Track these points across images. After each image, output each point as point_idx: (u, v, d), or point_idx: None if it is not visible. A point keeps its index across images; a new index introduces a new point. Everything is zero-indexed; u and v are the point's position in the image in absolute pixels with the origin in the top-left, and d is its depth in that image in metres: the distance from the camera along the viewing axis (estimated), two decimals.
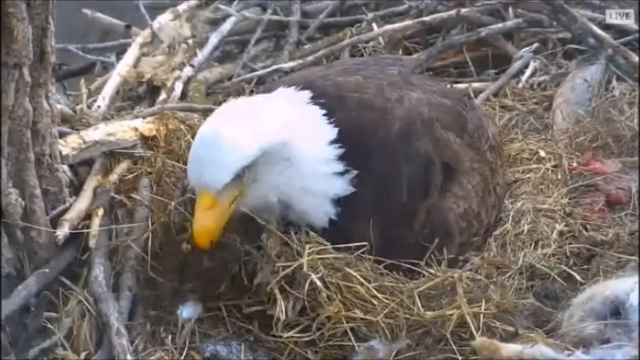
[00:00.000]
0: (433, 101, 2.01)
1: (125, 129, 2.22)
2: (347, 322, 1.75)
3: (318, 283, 1.75)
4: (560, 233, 2.11)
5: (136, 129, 2.23)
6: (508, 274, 1.97)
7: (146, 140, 2.23)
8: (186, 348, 1.81)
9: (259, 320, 1.82)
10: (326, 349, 1.78)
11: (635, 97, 2.59)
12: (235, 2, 3.18)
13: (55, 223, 1.97)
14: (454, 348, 1.74)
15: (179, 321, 1.84)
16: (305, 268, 1.75)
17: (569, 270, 2.01)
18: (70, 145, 2.11)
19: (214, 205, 1.72)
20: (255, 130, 1.74)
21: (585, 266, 2.05)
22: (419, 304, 1.78)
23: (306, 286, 1.75)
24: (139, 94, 2.69)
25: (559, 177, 2.30)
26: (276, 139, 1.76)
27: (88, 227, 2.00)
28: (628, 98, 2.59)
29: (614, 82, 2.69)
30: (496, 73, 2.85)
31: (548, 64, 2.83)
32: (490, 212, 2.07)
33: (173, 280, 1.91)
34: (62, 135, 2.12)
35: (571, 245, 2.09)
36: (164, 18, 2.98)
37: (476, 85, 2.79)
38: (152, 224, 1.97)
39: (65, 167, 2.07)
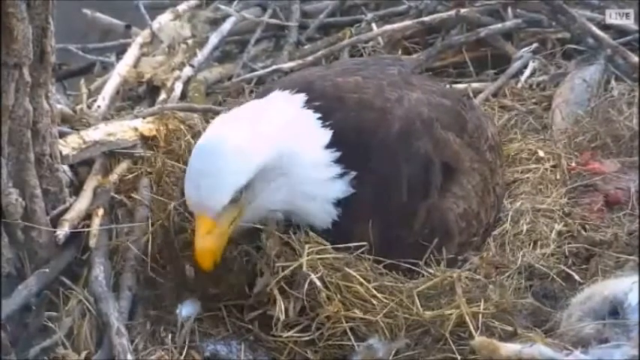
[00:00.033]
0: (433, 101, 2.01)
1: (125, 129, 2.22)
2: (346, 322, 1.75)
3: (318, 283, 1.75)
4: (559, 233, 2.12)
5: (136, 129, 2.23)
6: (507, 274, 1.97)
7: (146, 140, 2.23)
8: (186, 347, 1.81)
9: (259, 320, 1.83)
10: (325, 349, 1.79)
11: (634, 97, 2.58)
12: (235, 2, 3.17)
13: (55, 222, 1.98)
14: (453, 347, 1.74)
15: (179, 320, 1.84)
16: (304, 268, 1.75)
17: (567, 270, 2.02)
18: (70, 145, 2.12)
19: (214, 227, 1.74)
20: (249, 149, 1.74)
21: (584, 266, 2.05)
22: (418, 303, 1.78)
23: (306, 286, 1.76)
24: (139, 94, 2.68)
25: (558, 177, 2.30)
26: (270, 155, 1.76)
27: (88, 227, 2.00)
28: (627, 98, 2.59)
29: (613, 83, 2.69)
30: (495, 74, 2.84)
31: (547, 65, 2.83)
32: (489, 212, 2.08)
33: (173, 280, 1.91)
34: (62, 135, 2.12)
35: (570, 245, 2.09)
36: (164, 18, 2.98)
37: (475, 85, 2.78)
38: (152, 224, 1.97)
39: (65, 167, 2.08)
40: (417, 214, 1.89)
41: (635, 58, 2.71)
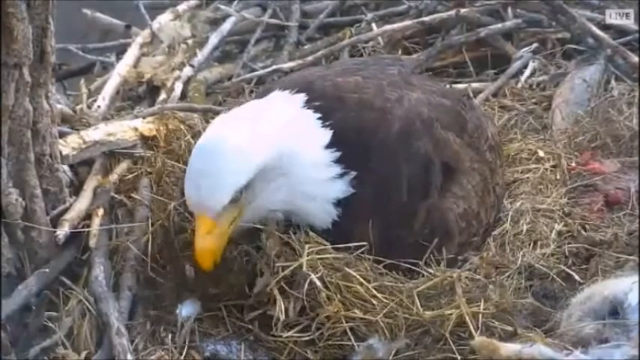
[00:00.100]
0: (433, 101, 2.01)
1: (125, 129, 2.22)
2: (346, 322, 1.75)
3: (318, 283, 1.75)
4: (559, 233, 2.12)
5: (136, 129, 2.23)
6: (507, 274, 1.97)
7: (146, 140, 2.23)
8: (186, 347, 1.81)
9: (259, 320, 1.83)
10: (325, 349, 1.79)
11: (634, 97, 2.58)
12: (235, 2, 3.17)
13: (55, 222, 1.98)
14: (453, 347, 1.74)
15: (179, 320, 1.84)
16: (304, 268, 1.75)
17: (567, 270, 2.02)
18: (70, 145, 2.12)
19: (214, 227, 1.73)
20: (249, 149, 1.74)
21: (584, 266, 2.05)
22: (418, 303, 1.78)
23: (306, 286, 1.76)
24: (139, 94, 2.68)
25: (558, 177, 2.30)
26: (270, 155, 1.76)
27: (88, 227, 2.00)
28: (627, 98, 2.59)
29: (613, 83, 2.68)
30: (495, 74, 2.84)
31: (547, 65, 2.82)
32: (489, 212, 2.08)
33: (173, 280, 1.91)
34: (62, 135, 2.12)
35: (570, 245, 2.09)
36: (164, 18, 2.98)
37: (475, 85, 2.78)
38: (152, 224, 1.97)
39: (65, 167, 2.08)
40: (417, 214, 1.89)
41: (635, 58, 2.71)
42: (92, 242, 1.98)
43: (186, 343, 1.82)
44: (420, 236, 1.89)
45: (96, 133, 2.18)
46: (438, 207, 1.93)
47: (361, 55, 2.87)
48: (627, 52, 2.72)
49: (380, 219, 1.84)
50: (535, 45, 2.87)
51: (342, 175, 1.84)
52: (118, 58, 2.91)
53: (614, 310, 1.74)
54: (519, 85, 2.78)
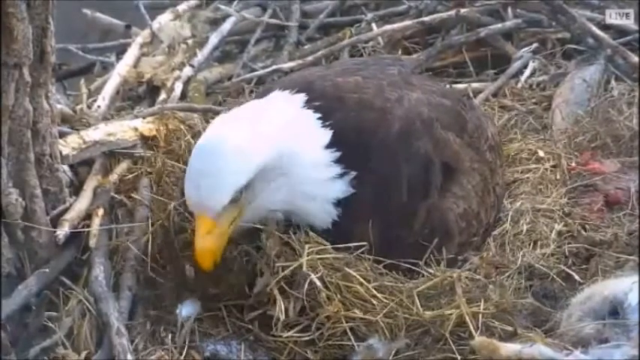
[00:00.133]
0: (433, 101, 2.01)
1: (125, 129, 2.22)
2: (346, 322, 1.75)
3: (318, 283, 1.75)
4: (559, 233, 2.12)
5: (136, 129, 2.23)
6: (507, 274, 1.97)
7: (146, 140, 2.23)
8: (186, 347, 1.81)
9: (259, 320, 1.83)
10: (325, 349, 1.79)
11: (634, 97, 2.58)
12: (235, 2, 3.18)
13: (55, 222, 1.98)
14: (453, 347, 1.75)
15: (179, 320, 1.84)
16: (304, 268, 1.75)
17: (567, 270, 2.02)
18: (70, 145, 2.12)
19: (214, 227, 1.74)
20: (249, 149, 1.74)
21: (584, 266, 2.05)
22: (418, 303, 1.78)
23: (306, 286, 1.76)
24: (139, 94, 2.68)
25: (558, 177, 2.30)
26: (270, 155, 1.76)
27: (88, 227, 2.00)
28: (627, 98, 2.59)
29: (613, 83, 2.69)
30: (495, 74, 2.84)
31: (547, 65, 2.83)
32: (489, 212, 2.08)
33: (173, 280, 1.91)
34: (62, 135, 2.12)
35: (570, 245, 2.09)
36: (164, 18, 2.98)
37: (475, 85, 2.78)
38: (152, 224, 1.98)
39: (65, 167, 2.08)
40: (417, 214, 1.89)
41: (635, 58, 2.71)
42: (92, 242, 1.98)
43: (186, 343, 1.82)
44: (420, 236, 1.89)
45: (96, 133, 2.18)
46: (438, 207, 1.93)
47: (361, 55, 2.87)
48: (627, 52, 2.72)
49: (380, 219, 1.84)
50: (535, 45, 2.88)
51: (342, 175, 1.84)
52: (118, 58, 2.91)
53: (614, 310, 1.74)
54: (519, 85, 2.78)
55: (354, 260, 1.82)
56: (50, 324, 1.87)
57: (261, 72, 2.80)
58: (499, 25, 2.92)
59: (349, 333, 1.75)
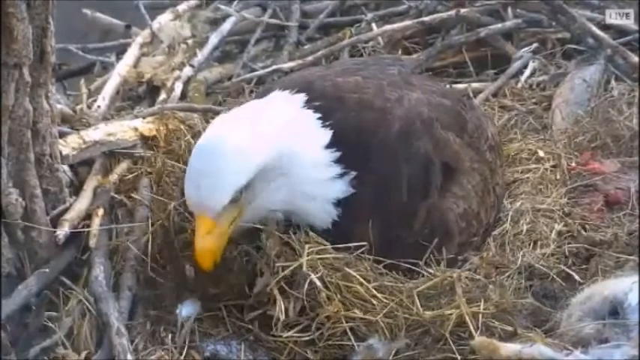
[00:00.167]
0: (433, 101, 2.02)
1: (125, 129, 2.23)
2: (346, 322, 1.75)
3: (318, 283, 1.76)
4: (559, 233, 2.12)
5: (135, 129, 2.24)
6: (507, 274, 1.97)
7: (146, 140, 2.23)
8: (186, 347, 1.81)
9: (259, 320, 1.83)
10: (325, 349, 1.79)
11: (634, 97, 2.59)
12: (235, 2, 3.18)
13: (55, 222, 1.98)
14: (453, 347, 1.75)
15: (179, 320, 1.84)
16: (304, 268, 1.75)
17: (567, 270, 2.02)
18: (70, 145, 2.12)
19: (214, 227, 1.74)
20: (249, 149, 1.74)
21: (584, 266, 2.06)
22: (418, 303, 1.78)
23: (306, 286, 1.76)
24: (139, 94, 2.69)
25: (558, 177, 2.31)
26: (270, 155, 1.77)
27: (88, 227, 2.00)
28: (627, 98, 2.59)
29: (613, 83, 2.69)
30: (495, 74, 2.85)
31: (547, 65, 2.83)
32: (489, 212, 2.08)
33: (173, 280, 1.91)
34: (62, 135, 2.13)
35: (570, 245, 2.09)
36: (164, 18, 2.98)
37: (475, 85, 2.79)
38: (152, 224, 1.98)
39: (65, 167, 2.08)
40: (416, 214, 1.90)
41: (635, 58, 2.71)
42: (92, 242, 1.98)
43: (186, 343, 1.82)
44: (420, 236, 1.89)
45: (96, 133, 2.18)
46: (438, 207, 1.93)
47: (361, 55, 2.87)
48: (627, 52, 2.72)
49: (380, 219, 1.84)
50: (535, 45, 2.88)
51: (342, 175, 1.84)
52: (118, 58, 2.91)
53: (614, 310, 1.74)
54: (519, 85, 2.78)
55: (354, 260, 1.82)
56: (50, 324, 1.88)
57: (261, 72, 2.80)
58: (499, 25, 2.92)
59: (349, 333, 1.75)
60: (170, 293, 1.91)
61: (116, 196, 2.11)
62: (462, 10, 2.93)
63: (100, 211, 2.04)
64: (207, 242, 1.75)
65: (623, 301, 1.74)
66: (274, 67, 2.79)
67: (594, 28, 2.79)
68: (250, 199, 1.79)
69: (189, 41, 2.90)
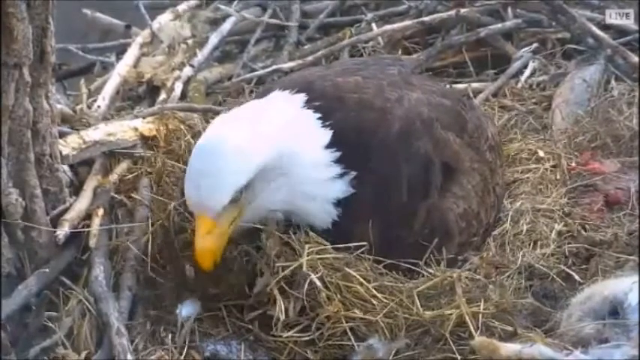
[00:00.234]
0: (433, 101, 2.02)
1: (125, 129, 2.23)
2: (346, 322, 1.76)
3: (318, 283, 1.76)
4: (559, 233, 2.12)
5: (135, 129, 2.24)
6: (507, 274, 1.97)
7: (146, 140, 2.24)
8: (186, 347, 1.82)
9: (259, 320, 1.83)
10: (325, 349, 1.79)
11: (633, 97, 2.59)
12: (235, 2, 3.18)
13: (55, 222, 1.98)
14: (453, 347, 1.75)
15: (178, 320, 1.84)
16: (304, 268, 1.76)
17: (567, 270, 2.02)
18: (70, 145, 2.12)
19: (214, 227, 1.74)
20: (249, 149, 1.74)
21: (584, 266, 2.06)
22: (418, 303, 1.79)
23: (306, 286, 1.76)
24: (139, 94, 2.69)
25: (558, 177, 2.31)
26: (270, 155, 1.77)
27: (88, 227, 2.00)
28: (627, 98, 2.59)
29: (613, 83, 2.69)
30: (495, 74, 2.85)
31: (547, 65, 2.83)
32: (489, 212, 2.08)
33: (173, 280, 1.91)
34: (62, 135, 2.13)
35: (570, 245, 2.10)
36: (164, 18, 2.99)
37: (475, 85, 2.79)
38: (152, 224, 1.98)
39: (65, 167, 2.08)
40: (416, 214, 1.90)
41: (635, 58, 2.71)
42: (92, 242, 1.99)
43: (187, 343, 1.82)
44: (420, 236, 1.89)
45: (96, 133, 2.19)
46: (438, 207, 1.94)
47: (361, 55, 2.88)
48: (627, 52, 2.72)
49: (380, 219, 1.84)
50: (535, 45, 2.88)
51: (342, 175, 1.85)
52: (118, 58, 2.92)
53: (614, 310, 1.74)
54: (519, 85, 2.79)
55: (354, 260, 1.82)
56: (50, 324, 1.88)
57: (261, 72, 2.80)
58: (499, 25, 2.93)
59: (349, 333, 1.75)
60: (170, 293, 1.91)
61: (116, 196, 2.11)
62: (462, 10, 2.94)
63: (100, 211, 2.04)
64: (207, 242, 1.75)
65: (623, 301, 1.74)
66: (274, 67, 2.79)
67: (594, 28, 2.79)
68: (250, 199, 1.79)
69: (189, 41, 2.90)
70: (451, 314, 1.78)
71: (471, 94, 2.71)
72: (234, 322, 1.86)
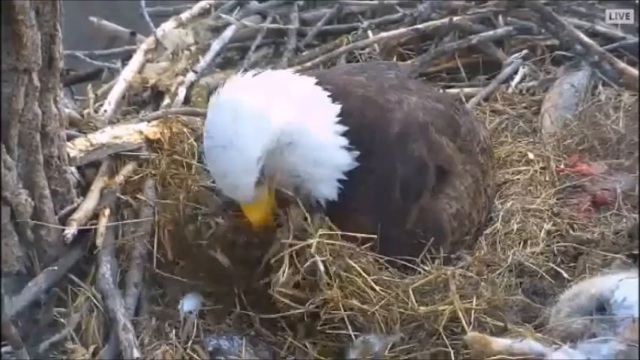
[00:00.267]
0: (428, 105, 2.05)
1: (130, 132, 2.26)
2: (344, 310, 1.78)
3: (321, 267, 1.77)
4: (548, 232, 2.14)
5: (141, 132, 2.27)
6: (498, 272, 2.00)
7: (151, 143, 2.27)
8: (190, 342, 1.85)
9: (261, 312, 1.87)
10: (323, 341, 1.82)
11: (620, 101, 2.61)
12: (236, 11, 3.22)
13: (63, 222, 2.01)
14: (446, 342, 1.77)
15: (182, 315, 1.88)
16: (313, 249, 1.76)
17: (556, 268, 2.04)
18: (77, 147, 2.15)
19: (255, 204, 1.80)
20: (251, 148, 1.74)
21: (572, 264, 2.08)
22: (413, 299, 1.81)
23: (308, 262, 1.77)
24: (144, 99, 2.72)
25: (547, 178, 2.34)
26: (286, 121, 1.77)
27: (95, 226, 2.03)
28: (613, 103, 2.62)
29: (600, 88, 2.72)
30: (487, 79, 2.89)
31: (536, 70, 2.87)
32: (481, 212, 2.12)
33: (179, 274, 1.94)
34: (70, 138, 2.16)
35: (558, 244, 2.11)
36: (168, 26, 3.02)
37: (467, 90, 2.83)
38: (157, 223, 2.02)
39: (73, 169, 2.11)
40: (410, 214, 1.93)
41: (621, 64, 2.75)
42: (99, 241, 2.01)
43: (191, 338, 1.85)
44: (414, 235, 1.92)
45: (102, 136, 2.21)
46: (431, 207, 1.97)
47: (358, 62, 2.90)
48: (614, 59, 2.76)
49: (377, 217, 1.87)
50: (525, 51, 2.92)
51: (348, 149, 1.86)
52: (124, 64, 2.94)
53: (601, 307, 1.75)
54: (510, 90, 2.82)
55: (358, 252, 1.84)
56: (59, 319, 1.91)
57: None
58: (490, 33, 2.96)
59: (347, 321, 1.77)
60: (175, 289, 1.94)
61: (122, 196, 2.14)
62: (455, 18, 2.97)
63: (107, 211, 2.07)
64: (256, 214, 1.81)
65: (610, 298, 1.75)
66: None
67: (582, 36, 2.83)
68: (270, 174, 1.81)
69: (192, 48, 2.93)
70: (445, 310, 1.79)
71: (464, 99, 2.74)
72: (236, 318, 1.89)
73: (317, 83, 1.92)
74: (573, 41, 2.86)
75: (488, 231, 2.15)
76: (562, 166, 2.40)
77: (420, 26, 2.99)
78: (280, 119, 1.78)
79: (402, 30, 3.00)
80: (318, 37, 3.13)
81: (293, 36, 3.08)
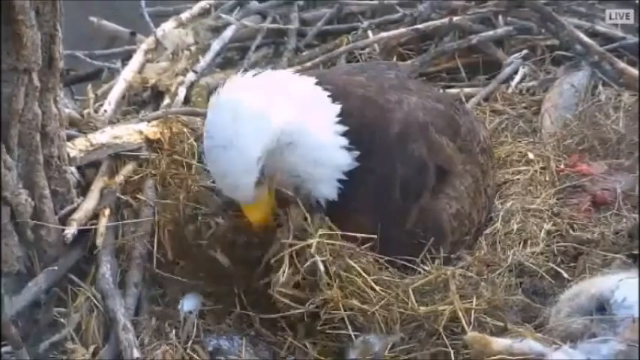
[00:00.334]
0: (428, 106, 2.05)
1: (130, 132, 2.26)
2: (344, 310, 1.78)
3: (321, 267, 1.77)
4: (548, 232, 2.15)
5: (141, 132, 2.28)
6: (498, 272, 2.00)
7: (151, 143, 2.27)
8: (190, 342, 1.85)
9: (261, 312, 1.87)
10: (323, 340, 1.82)
11: (620, 101, 2.61)
12: (236, 10, 3.23)
13: (63, 222, 2.01)
14: (446, 342, 1.77)
15: (181, 315, 1.89)
16: (313, 250, 1.77)
17: (556, 268, 2.05)
18: (77, 147, 2.15)
19: (255, 204, 1.80)
20: (252, 148, 1.74)
21: (572, 264, 2.09)
22: (413, 299, 1.81)
23: (308, 262, 1.77)
24: (144, 99, 2.72)
25: (547, 178, 2.34)
26: (286, 121, 1.77)
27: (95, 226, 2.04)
28: (613, 103, 2.62)
29: (600, 88, 2.73)
30: (487, 79, 2.89)
31: (536, 70, 2.87)
32: (481, 212, 2.12)
33: (180, 274, 1.95)
34: (70, 138, 2.16)
35: (558, 244, 2.12)
36: (168, 26, 3.02)
37: (467, 90, 2.83)
38: (157, 223, 2.02)
39: (73, 169, 2.12)
40: (411, 214, 1.93)
41: (621, 64, 2.75)
42: (99, 241, 2.02)
43: (191, 338, 1.86)
44: (414, 235, 1.93)
45: (102, 136, 2.22)
46: (432, 207, 1.98)
47: (358, 62, 2.90)
48: (614, 59, 2.76)
49: (377, 217, 1.87)
50: (525, 51, 2.92)
51: (348, 149, 1.87)
52: (124, 64, 2.95)
53: (601, 307, 1.76)
54: (510, 90, 2.82)
55: (358, 252, 1.84)
56: (59, 319, 1.91)
57: None
58: (490, 33, 2.97)
59: (347, 321, 1.77)
60: (174, 289, 1.95)
61: (122, 196, 2.14)
62: (455, 18, 2.98)
63: (107, 211, 2.07)
64: (256, 214, 1.81)
65: (610, 297, 1.75)
66: None
67: (582, 36, 2.84)
68: (270, 175, 1.81)
69: (192, 48, 2.93)
70: (445, 310, 1.79)
71: (464, 99, 2.74)
72: (236, 318, 1.89)
73: (317, 83, 1.93)
74: (573, 41, 2.86)
75: (488, 231, 2.16)
76: (562, 166, 2.40)
77: (420, 26, 2.99)
78: (280, 119, 1.78)
79: (402, 30, 3.00)
80: (318, 37, 3.14)
81: (293, 36, 3.09)
